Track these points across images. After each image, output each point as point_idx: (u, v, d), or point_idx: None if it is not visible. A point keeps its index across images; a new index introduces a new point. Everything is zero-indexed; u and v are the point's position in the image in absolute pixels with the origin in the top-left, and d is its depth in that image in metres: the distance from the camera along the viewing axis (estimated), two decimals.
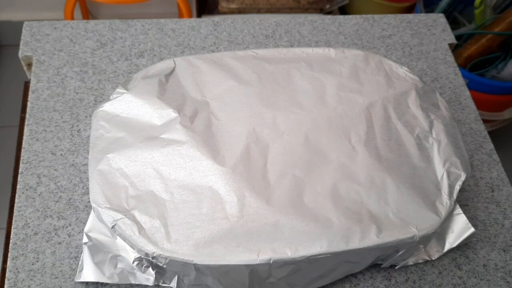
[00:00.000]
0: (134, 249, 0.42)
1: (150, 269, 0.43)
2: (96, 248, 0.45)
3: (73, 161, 0.53)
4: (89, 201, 0.48)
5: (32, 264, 0.46)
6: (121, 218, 0.42)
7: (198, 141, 0.46)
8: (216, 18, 0.68)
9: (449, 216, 0.47)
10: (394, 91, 0.53)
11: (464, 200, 0.54)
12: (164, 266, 0.41)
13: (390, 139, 0.49)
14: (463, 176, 0.48)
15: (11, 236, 0.48)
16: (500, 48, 1.21)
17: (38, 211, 0.49)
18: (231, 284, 0.43)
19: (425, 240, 0.45)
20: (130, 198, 0.43)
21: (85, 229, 0.45)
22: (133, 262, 0.43)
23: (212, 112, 0.49)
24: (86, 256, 0.45)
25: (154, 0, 1.36)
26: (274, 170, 0.46)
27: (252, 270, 0.41)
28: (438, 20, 0.72)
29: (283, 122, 0.49)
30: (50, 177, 0.52)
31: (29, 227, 0.48)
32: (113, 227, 0.42)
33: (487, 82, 1.16)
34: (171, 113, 0.48)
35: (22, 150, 0.53)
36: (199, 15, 1.34)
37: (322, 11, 1.34)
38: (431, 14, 0.72)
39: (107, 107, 0.49)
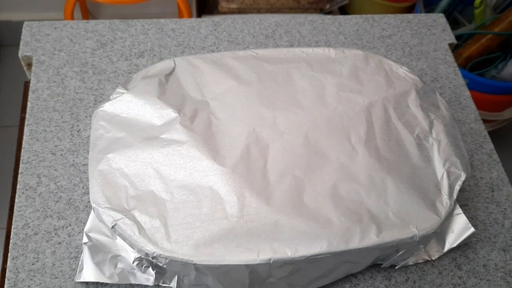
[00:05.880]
0: (134, 249, 0.42)
1: (150, 269, 0.43)
2: (96, 248, 0.45)
3: (73, 161, 0.53)
4: (89, 201, 0.48)
5: (32, 264, 0.46)
6: (121, 218, 0.42)
7: (198, 141, 0.46)
8: (216, 18, 0.68)
9: (449, 216, 0.47)
10: (394, 91, 0.53)
11: (464, 200, 0.54)
12: (164, 266, 0.41)
13: (390, 139, 0.49)
14: (463, 176, 0.48)
15: (11, 236, 0.48)
16: (500, 48, 1.21)
17: (38, 211, 0.49)
18: (231, 284, 0.43)
19: (425, 240, 0.45)
20: (130, 198, 0.43)
21: (85, 229, 0.45)
22: (133, 262, 0.43)
23: (212, 112, 0.49)
24: (86, 256, 0.45)
25: (154, 0, 1.36)
26: (274, 170, 0.46)
27: (252, 270, 0.41)
28: (438, 20, 0.72)
29: (283, 122, 0.49)
30: (50, 177, 0.52)
31: (29, 227, 0.48)
32: (113, 227, 0.42)
33: (487, 82, 1.16)
34: (171, 113, 0.48)
35: (22, 150, 0.53)
36: (199, 15, 1.34)
37: (322, 11, 1.34)
38: (431, 14, 0.72)
39: (107, 107, 0.49)
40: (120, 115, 0.49)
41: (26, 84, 0.63)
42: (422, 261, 0.49)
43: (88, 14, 1.35)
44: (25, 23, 0.64)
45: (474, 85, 1.15)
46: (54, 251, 0.47)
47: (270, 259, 0.40)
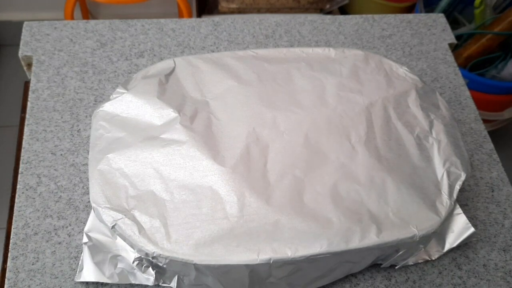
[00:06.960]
0: (134, 249, 0.42)
1: (150, 269, 0.43)
2: (96, 248, 0.45)
3: (73, 161, 0.53)
4: (89, 201, 0.48)
5: (32, 264, 0.46)
6: (121, 218, 0.42)
7: (198, 141, 0.46)
8: (216, 18, 0.68)
9: (449, 216, 0.47)
10: (394, 91, 0.53)
11: (464, 200, 0.54)
12: (164, 266, 0.41)
13: (390, 139, 0.49)
14: (463, 176, 0.48)
15: (11, 236, 0.48)
16: (500, 48, 1.21)
17: (38, 211, 0.49)
18: (231, 284, 0.43)
19: (425, 240, 0.45)
20: (130, 198, 0.43)
21: (85, 229, 0.45)
22: (133, 262, 0.43)
23: (212, 112, 0.49)
24: (86, 256, 0.45)
25: (154, 0, 1.36)
26: (274, 170, 0.46)
27: (252, 270, 0.41)
28: (438, 20, 0.72)
29: (283, 122, 0.49)
30: (50, 177, 0.52)
31: (29, 227, 0.48)
32: (113, 227, 0.42)
33: (487, 82, 1.16)
34: (171, 113, 0.48)
35: (22, 150, 0.53)
36: (199, 15, 1.34)
37: (322, 11, 1.34)
38: (431, 14, 0.72)
39: (107, 107, 0.49)
40: (120, 115, 0.49)
41: (26, 84, 0.63)
42: (422, 261, 0.49)
43: (88, 14, 1.35)
44: (25, 23, 0.64)
45: (474, 85, 1.15)
46: (54, 251, 0.47)
47: (270, 259, 0.40)
